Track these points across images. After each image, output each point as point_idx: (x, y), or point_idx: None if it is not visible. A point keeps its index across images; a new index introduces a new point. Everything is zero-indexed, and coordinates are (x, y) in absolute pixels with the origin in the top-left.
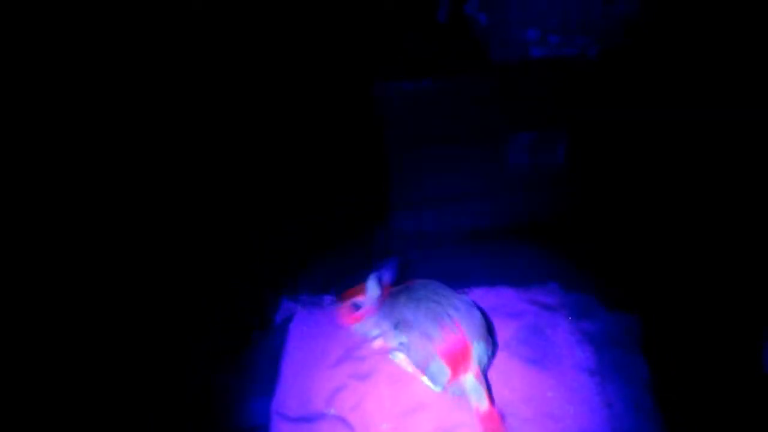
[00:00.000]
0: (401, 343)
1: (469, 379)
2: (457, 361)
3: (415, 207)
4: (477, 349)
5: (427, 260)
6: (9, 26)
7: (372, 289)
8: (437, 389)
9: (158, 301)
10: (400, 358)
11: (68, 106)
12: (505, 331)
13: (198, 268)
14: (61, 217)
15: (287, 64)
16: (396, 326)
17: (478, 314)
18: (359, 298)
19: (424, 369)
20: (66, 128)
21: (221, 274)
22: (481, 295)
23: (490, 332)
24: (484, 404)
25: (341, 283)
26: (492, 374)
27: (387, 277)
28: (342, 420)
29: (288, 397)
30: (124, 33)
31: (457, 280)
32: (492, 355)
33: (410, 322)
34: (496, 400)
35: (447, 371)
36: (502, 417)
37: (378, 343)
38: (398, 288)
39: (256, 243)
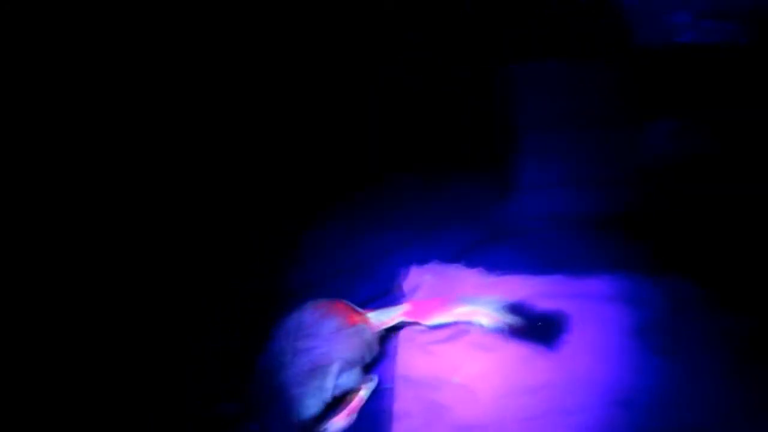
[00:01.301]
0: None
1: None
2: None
3: (543, 188)
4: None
5: (552, 242)
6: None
7: None
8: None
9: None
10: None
11: (69, 106)
12: (632, 318)
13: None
14: (61, 218)
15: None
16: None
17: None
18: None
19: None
20: (66, 128)
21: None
22: (607, 281)
23: None
24: (400, 310)
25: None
26: (619, 360)
27: None
28: (466, 389)
29: (413, 362)
30: (124, 32)
31: (582, 262)
32: None
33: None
34: (619, 388)
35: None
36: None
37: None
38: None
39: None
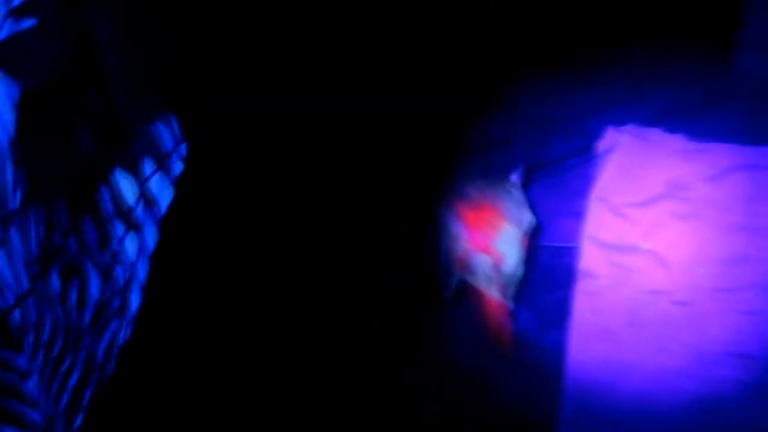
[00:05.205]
0: None
1: None
2: None
3: None
4: None
5: None
6: None
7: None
8: None
9: None
10: None
11: None
12: None
13: None
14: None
15: None
16: None
17: None
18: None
19: None
20: None
21: None
22: None
23: None
24: None
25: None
26: None
27: None
28: (656, 255)
29: (602, 223)
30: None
31: None
32: None
33: None
34: None
35: None
36: None
37: None
38: None
39: None
